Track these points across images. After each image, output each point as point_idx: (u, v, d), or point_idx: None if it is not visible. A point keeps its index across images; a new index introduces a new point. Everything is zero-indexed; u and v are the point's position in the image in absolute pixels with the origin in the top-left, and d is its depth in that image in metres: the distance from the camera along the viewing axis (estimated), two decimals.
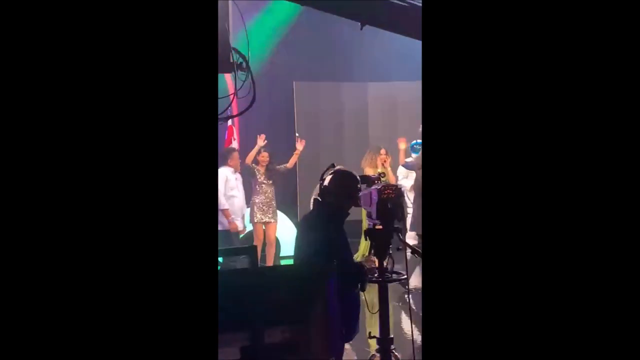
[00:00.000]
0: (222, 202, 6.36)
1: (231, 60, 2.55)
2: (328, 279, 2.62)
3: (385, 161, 7.34)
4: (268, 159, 7.10)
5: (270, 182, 7.12)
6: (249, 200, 7.09)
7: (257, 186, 7.08)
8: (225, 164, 6.56)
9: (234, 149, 6.93)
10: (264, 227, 7.14)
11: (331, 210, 3.23)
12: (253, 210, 7.07)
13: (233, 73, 2.56)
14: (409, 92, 8.16)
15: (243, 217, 6.88)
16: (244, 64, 2.64)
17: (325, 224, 3.20)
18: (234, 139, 7.65)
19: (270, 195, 7.11)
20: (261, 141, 7.03)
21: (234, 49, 2.62)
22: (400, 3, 2.75)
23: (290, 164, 7.26)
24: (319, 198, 3.26)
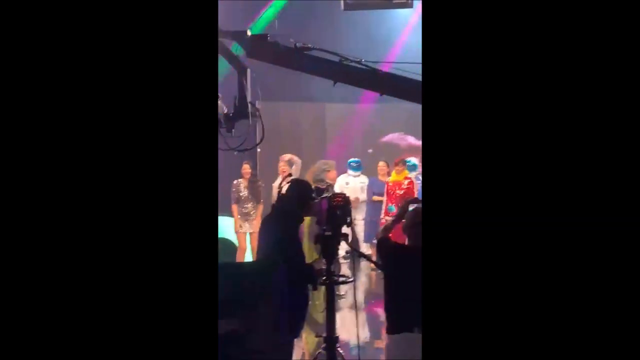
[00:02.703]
0: None
1: (248, 110, 3.71)
2: (274, 275, 2.84)
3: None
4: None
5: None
6: None
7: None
8: None
9: None
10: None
11: (286, 215, 3.48)
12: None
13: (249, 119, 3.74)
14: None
15: None
16: (257, 113, 3.79)
17: (280, 227, 3.45)
18: None
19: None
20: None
21: (250, 102, 3.75)
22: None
23: None
24: (276, 204, 3.53)
